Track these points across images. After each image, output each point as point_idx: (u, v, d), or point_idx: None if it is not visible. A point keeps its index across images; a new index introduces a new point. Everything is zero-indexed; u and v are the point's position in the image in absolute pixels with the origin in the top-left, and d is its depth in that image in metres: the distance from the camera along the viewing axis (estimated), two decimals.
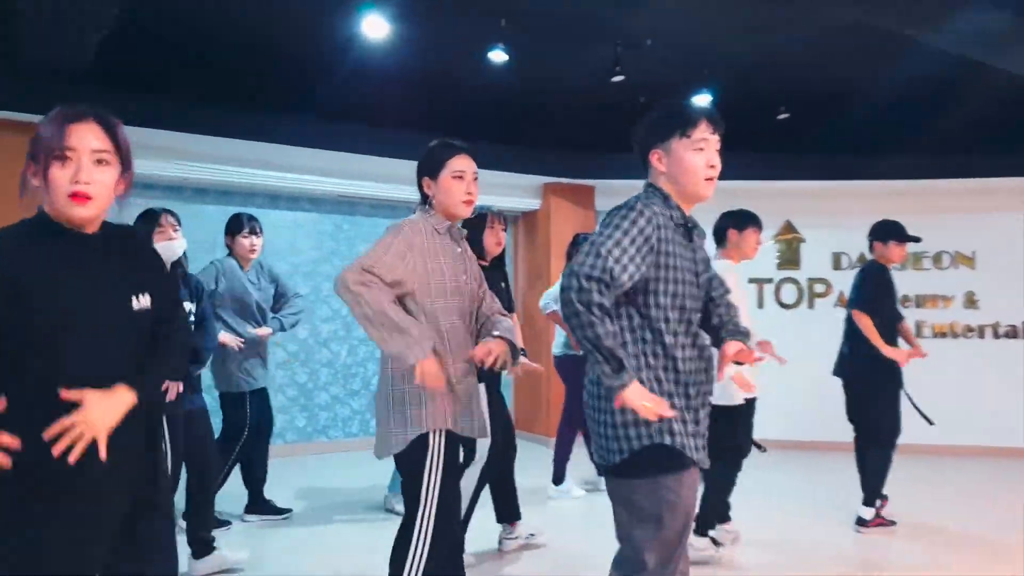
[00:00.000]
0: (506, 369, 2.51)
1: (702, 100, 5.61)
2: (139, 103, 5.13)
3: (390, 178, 5.93)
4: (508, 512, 3.89)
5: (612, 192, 6.78)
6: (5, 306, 1.55)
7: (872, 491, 4.19)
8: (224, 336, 4.02)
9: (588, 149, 6.70)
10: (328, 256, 6.63)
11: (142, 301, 1.69)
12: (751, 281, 6.89)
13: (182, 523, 3.99)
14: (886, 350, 4.04)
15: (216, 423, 3.92)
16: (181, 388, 3.32)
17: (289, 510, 4.49)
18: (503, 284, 3.80)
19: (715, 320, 2.15)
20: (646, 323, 1.98)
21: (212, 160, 5.60)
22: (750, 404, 3.72)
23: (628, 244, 1.91)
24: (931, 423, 4.16)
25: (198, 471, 3.49)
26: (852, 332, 4.19)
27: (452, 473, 2.34)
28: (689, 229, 2.07)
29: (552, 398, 6.62)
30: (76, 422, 1.52)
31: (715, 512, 3.74)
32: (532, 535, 3.93)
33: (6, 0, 3.84)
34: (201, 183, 5.81)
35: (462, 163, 2.44)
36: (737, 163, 6.06)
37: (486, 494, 3.75)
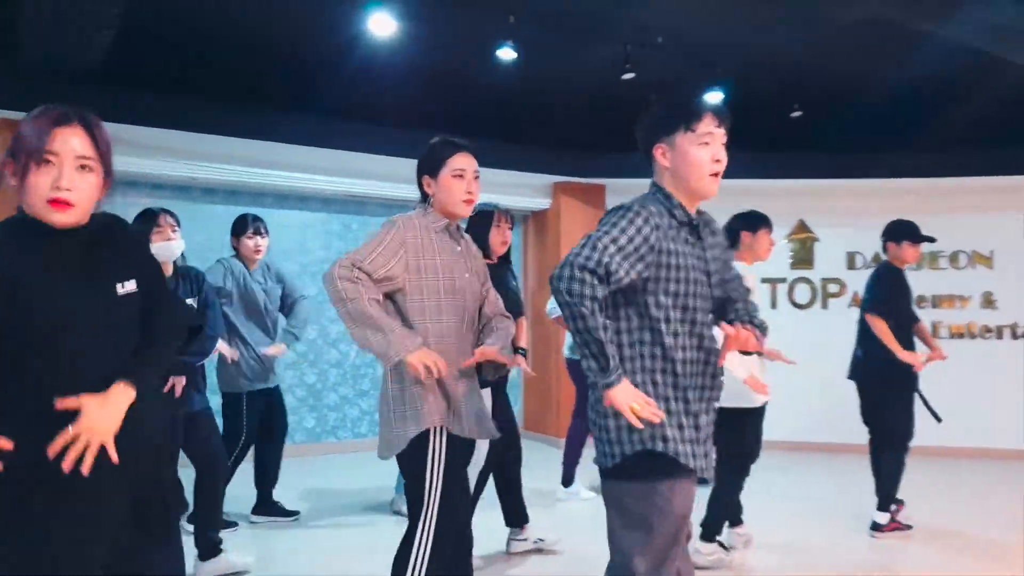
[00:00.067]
0: (492, 376, 2.51)
1: (714, 98, 5.54)
2: (147, 103, 5.14)
3: (399, 177, 5.85)
4: (515, 515, 3.84)
5: (623, 191, 6.72)
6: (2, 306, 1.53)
7: (886, 496, 4.11)
8: (222, 346, 3.96)
9: (598, 148, 6.64)
10: (337, 256, 6.55)
11: (127, 286, 1.66)
12: (764, 281, 6.81)
13: (188, 526, 3.99)
14: (902, 354, 3.97)
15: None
16: (184, 382, 3.29)
17: (297, 512, 4.46)
18: (512, 284, 3.75)
19: (731, 316, 2.09)
20: (645, 323, 1.93)
21: (220, 160, 5.59)
22: (760, 408, 3.66)
23: (626, 242, 1.86)
24: (939, 420, 4.08)
25: (204, 472, 3.46)
26: (865, 334, 4.12)
27: (454, 473, 2.31)
28: (695, 227, 2.01)
29: (562, 399, 6.58)
30: (80, 432, 1.51)
31: (722, 517, 3.67)
32: (541, 540, 3.87)
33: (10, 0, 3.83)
34: (210, 183, 5.81)
35: (463, 161, 2.40)
36: (750, 162, 6.13)
37: (493, 497, 3.72)
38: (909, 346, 4.07)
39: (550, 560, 3.79)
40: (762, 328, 2.08)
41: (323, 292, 7.20)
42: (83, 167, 1.57)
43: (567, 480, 4.92)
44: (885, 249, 4.24)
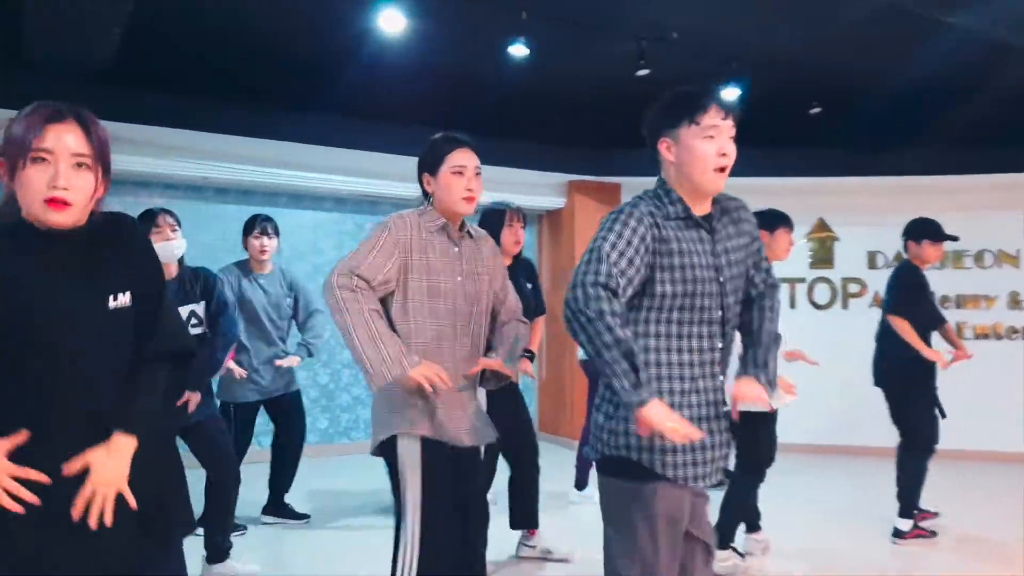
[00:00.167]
0: (492, 385, 2.46)
1: (730, 94, 5.46)
2: (158, 102, 5.14)
3: (412, 177, 5.73)
4: (524, 518, 3.75)
5: (639, 189, 6.54)
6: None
7: (907, 501, 4.01)
8: (231, 364, 3.93)
9: (613, 145, 6.56)
10: None
11: (121, 299, 1.59)
12: (782, 281, 6.67)
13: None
14: (926, 352, 3.88)
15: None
16: (199, 398, 3.28)
17: (307, 516, 4.43)
18: (528, 284, 3.69)
19: (745, 356, 2.01)
20: (643, 323, 1.87)
21: (233, 160, 5.59)
22: (774, 412, 3.56)
23: (625, 246, 1.80)
24: (943, 416, 3.99)
25: (213, 476, 3.43)
26: (883, 336, 4.05)
27: (435, 482, 2.24)
28: (698, 222, 1.92)
29: (576, 401, 6.50)
30: (96, 488, 1.50)
31: (735, 522, 3.60)
32: (549, 551, 3.78)
33: None
34: (222, 183, 5.81)
35: (462, 157, 2.34)
36: (768, 160, 6.03)
37: (503, 502, 3.66)
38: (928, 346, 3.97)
39: (559, 566, 3.72)
40: (770, 378, 1.98)
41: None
42: (79, 165, 1.50)
43: (580, 484, 4.84)
44: (906, 248, 4.15)
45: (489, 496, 4.79)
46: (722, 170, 1.89)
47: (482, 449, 2.45)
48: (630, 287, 1.81)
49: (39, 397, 1.51)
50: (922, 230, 4.08)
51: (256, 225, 4.19)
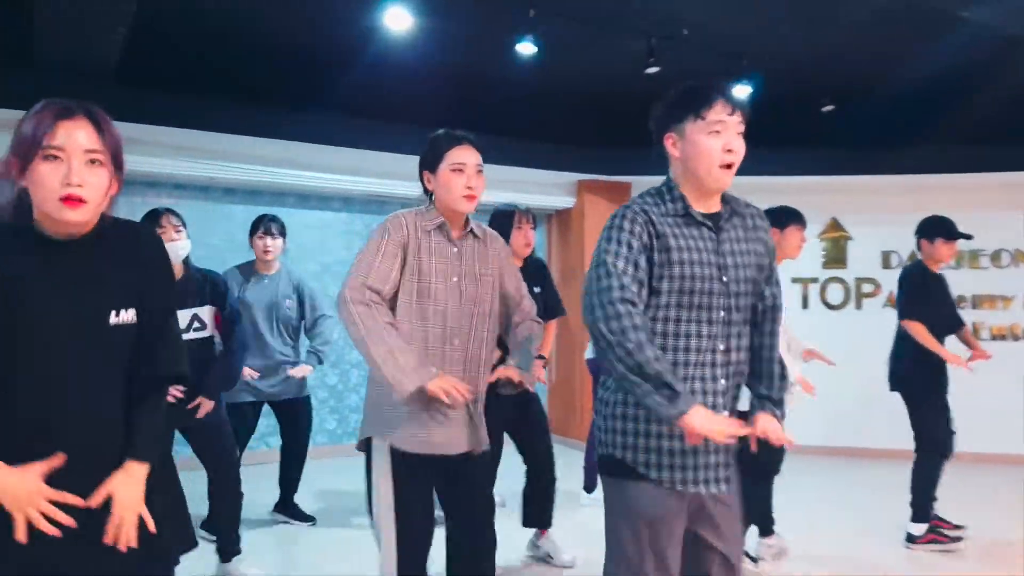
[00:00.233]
0: (509, 391, 2.44)
1: (741, 92, 5.39)
2: (166, 102, 5.13)
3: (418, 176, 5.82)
4: (537, 519, 3.70)
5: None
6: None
7: (919, 505, 3.95)
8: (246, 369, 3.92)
9: (623, 144, 6.47)
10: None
11: (123, 316, 1.55)
12: (795, 281, 6.64)
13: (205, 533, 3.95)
14: (945, 354, 3.84)
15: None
16: (212, 407, 3.30)
17: (312, 519, 4.41)
18: (537, 288, 3.64)
19: (757, 391, 1.98)
20: None
21: (240, 160, 5.57)
22: None
23: (627, 251, 1.78)
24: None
25: (213, 478, 3.42)
26: (897, 340, 4.02)
27: (404, 488, 2.23)
28: (699, 220, 1.87)
29: (586, 403, 6.46)
30: (122, 515, 1.52)
31: (744, 527, 3.53)
32: (550, 557, 3.74)
33: None
34: (229, 183, 5.79)
35: (462, 154, 2.30)
36: (780, 158, 5.95)
37: (513, 505, 3.62)
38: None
39: (567, 571, 3.68)
40: (779, 408, 1.96)
41: None
42: (92, 161, 1.48)
43: (589, 486, 4.79)
44: (919, 247, 4.08)
45: (497, 498, 4.80)
46: (728, 167, 1.84)
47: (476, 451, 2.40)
48: (643, 289, 1.79)
49: (36, 406, 1.48)
50: (935, 228, 4.01)
51: (260, 225, 4.16)
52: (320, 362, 4.34)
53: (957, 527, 4.10)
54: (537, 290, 3.63)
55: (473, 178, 2.30)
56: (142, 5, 3.93)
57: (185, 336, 2.95)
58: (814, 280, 6.77)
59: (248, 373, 3.98)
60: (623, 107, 5.97)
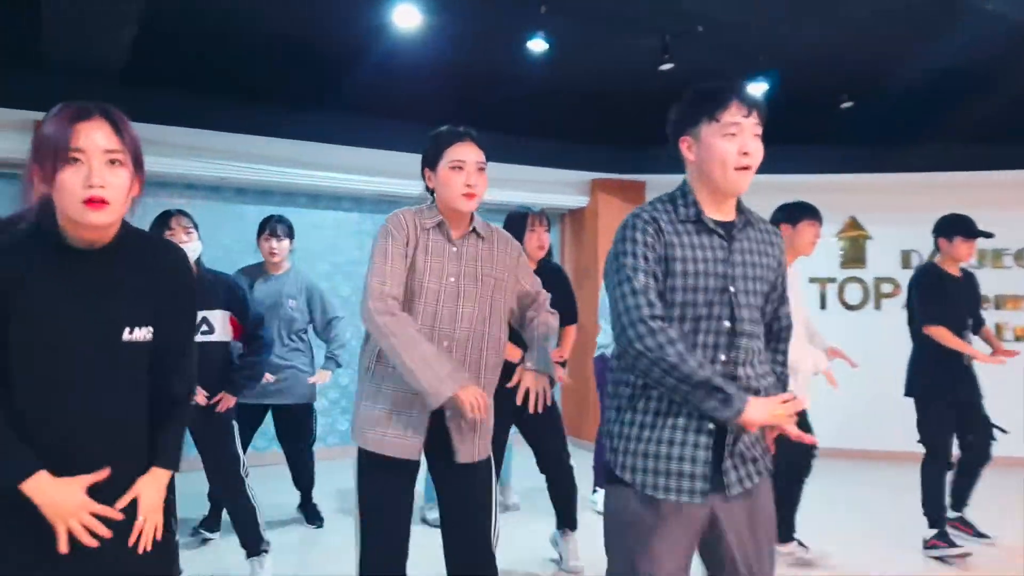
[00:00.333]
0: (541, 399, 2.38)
1: (757, 89, 5.30)
2: (175, 102, 5.11)
3: None
4: (562, 519, 3.67)
5: (664, 188, 6.43)
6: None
7: (928, 512, 3.89)
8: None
9: (637, 143, 6.43)
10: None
11: (137, 333, 1.55)
12: (812, 281, 6.54)
13: (209, 534, 3.97)
14: (974, 353, 3.80)
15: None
16: (232, 403, 3.34)
17: (317, 524, 4.38)
18: (552, 293, 3.59)
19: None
20: None
21: (251, 159, 5.56)
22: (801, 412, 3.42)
23: (644, 263, 1.75)
24: (1003, 431, 3.92)
25: (209, 479, 3.42)
26: (913, 344, 3.98)
27: (378, 493, 2.23)
28: (711, 227, 1.82)
29: (597, 402, 6.39)
30: (147, 517, 1.55)
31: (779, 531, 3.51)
32: (560, 559, 3.70)
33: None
34: (241, 183, 5.79)
35: (462, 152, 2.24)
36: (798, 156, 5.86)
37: (526, 508, 3.58)
38: (940, 347, 3.85)
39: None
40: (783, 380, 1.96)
41: (356, 293, 7.20)
42: (112, 162, 1.48)
43: (599, 486, 4.74)
44: (937, 246, 4.00)
45: (515, 499, 4.77)
46: (745, 169, 1.78)
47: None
48: (662, 297, 1.77)
49: (40, 407, 1.48)
50: (953, 226, 3.93)
51: (267, 227, 4.15)
52: (339, 365, 4.31)
53: (980, 535, 4.01)
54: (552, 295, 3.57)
55: (473, 176, 2.24)
56: (149, 4, 3.91)
57: None
58: (832, 280, 6.68)
59: (267, 378, 3.96)
60: (637, 105, 5.90)
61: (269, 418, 4.29)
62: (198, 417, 3.19)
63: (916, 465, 3.99)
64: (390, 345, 2.10)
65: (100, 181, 1.45)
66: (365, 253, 6.65)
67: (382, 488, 2.24)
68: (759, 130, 1.80)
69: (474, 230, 2.31)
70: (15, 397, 1.46)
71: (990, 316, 6.00)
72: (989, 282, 6.07)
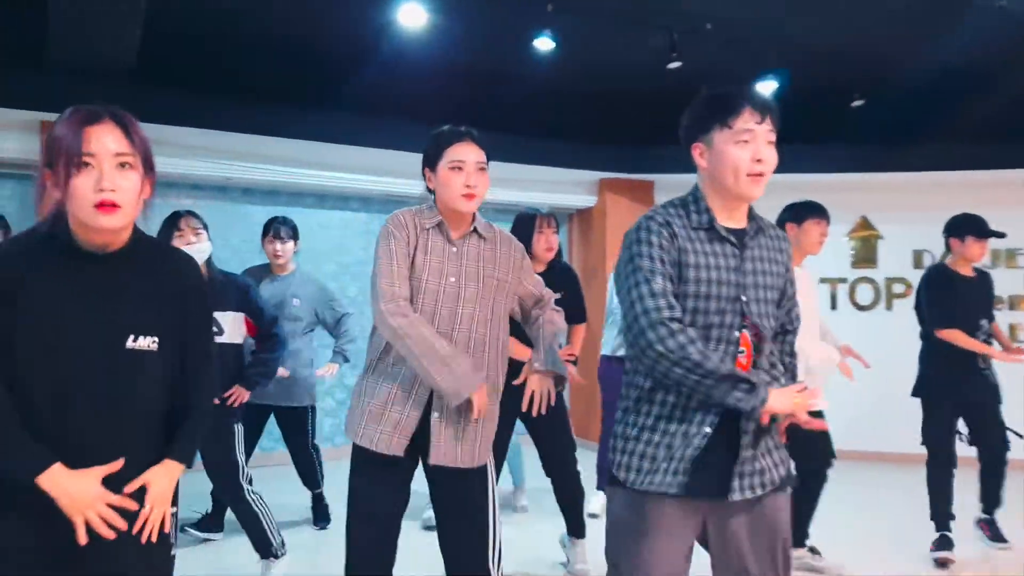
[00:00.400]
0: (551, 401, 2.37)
1: (767, 87, 5.25)
2: (182, 102, 5.11)
3: None
4: (571, 527, 3.62)
5: (673, 187, 6.44)
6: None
7: (933, 514, 3.86)
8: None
9: (646, 142, 6.39)
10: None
11: (142, 342, 1.55)
12: (822, 281, 6.47)
13: (199, 534, 3.98)
14: (992, 352, 3.78)
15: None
16: (247, 397, 3.35)
17: (321, 526, 4.37)
18: (559, 293, 3.56)
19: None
20: None
21: (258, 159, 5.56)
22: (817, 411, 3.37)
23: (660, 266, 1.72)
24: (1021, 436, 3.89)
25: (216, 482, 3.41)
26: (922, 346, 3.95)
27: (362, 488, 2.25)
28: (723, 235, 1.80)
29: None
30: (154, 504, 1.54)
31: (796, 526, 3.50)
32: (567, 562, 3.67)
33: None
34: (247, 183, 5.79)
35: (461, 151, 2.22)
36: (808, 155, 5.79)
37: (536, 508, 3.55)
38: (955, 352, 3.80)
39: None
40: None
41: (363, 293, 7.18)
42: (122, 165, 1.49)
43: (602, 486, 4.70)
44: (948, 246, 3.95)
45: (523, 501, 4.74)
46: (758, 176, 1.75)
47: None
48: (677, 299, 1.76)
49: (44, 408, 1.48)
50: (964, 226, 3.87)
51: (270, 229, 4.14)
52: (346, 360, 4.30)
53: (998, 539, 3.95)
54: (559, 295, 3.54)
55: (473, 176, 2.21)
56: (154, 5, 3.91)
57: None
58: (843, 280, 6.62)
59: (281, 372, 3.96)
60: (645, 104, 5.87)
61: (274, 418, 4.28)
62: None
63: (921, 467, 3.96)
64: (406, 347, 2.10)
65: (111, 184, 1.46)
66: (372, 254, 6.67)
67: (370, 484, 2.24)
68: (773, 136, 1.77)
69: (475, 230, 2.29)
70: (21, 400, 1.47)
71: (1004, 317, 5.94)
72: (1003, 282, 5.98)
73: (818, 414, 3.36)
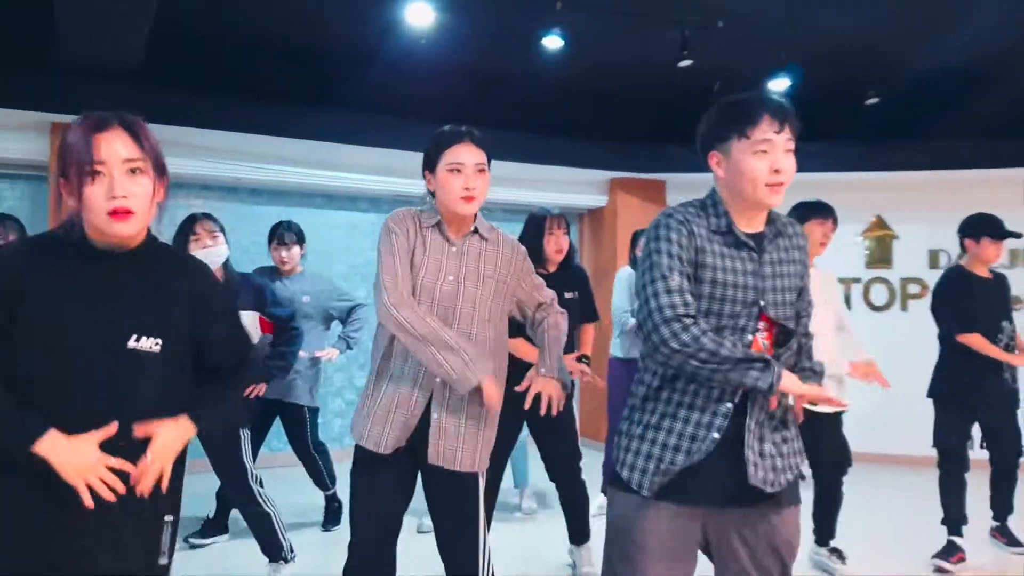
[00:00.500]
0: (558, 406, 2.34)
1: (779, 85, 5.19)
2: (190, 103, 5.11)
3: None
4: (572, 533, 3.60)
5: (685, 187, 6.41)
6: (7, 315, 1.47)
7: (946, 517, 3.80)
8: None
9: (658, 140, 6.34)
10: None
11: (144, 342, 1.54)
12: (837, 281, 6.38)
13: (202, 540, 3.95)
14: (1011, 359, 3.74)
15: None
16: (263, 391, 3.40)
17: (325, 527, 4.35)
18: (568, 294, 3.52)
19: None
20: None
21: (267, 160, 5.55)
22: (828, 414, 3.32)
23: (678, 263, 1.71)
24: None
25: (227, 488, 3.38)
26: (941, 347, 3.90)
27: (362, 489, 2.24)
28: (741, 240, 1.77)
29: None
30: (156, 455, 1.52)
31: (823, 524, 3.56)
32: (573, 565, 3.63)
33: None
34: (256, 183, 5.78)
35: (459, 153, 2.19)
36: (822, 154, 5.72)
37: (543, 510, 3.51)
38: (967, 353, 3.76)
39: None
40: (817, 374, 1.91)
41: (373, 295, 7.13)
42: (133, 171, 1.50)
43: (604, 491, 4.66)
44: (963, 247, 3.89)
45: (526, 504, 4.71)
46: (777, 186, 1.72)
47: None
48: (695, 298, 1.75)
49: (54, 414, 1.47)
50: (980, 227, 3.81)
51: (274, 236, 4.14)
52: (349, 347, 4.28)
53: (1015, 543, 3.89)
54: (569, 295, 3.51)
55: (472, 178, 2.18)
56: (163, 5, 3.90)
57: None
58: (857, 280, 6.54)
59: (302, 355, 3.97)
60: (656, 102, 5.83)
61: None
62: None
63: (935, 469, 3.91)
64: (411, 338, 2.08)
65: (122, 192, 1.47)
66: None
67: (372, 483, 2.24)
68: (792, 145, 1.74)
69: (476, 231, 2.27)
70: (21, 399, 1.46)
71: (1021, 319, 5.84)
72: (1019, 283, 5.92)
73: (829, 416, 3.34)
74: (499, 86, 5.52)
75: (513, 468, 4.65)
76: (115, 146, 1.48)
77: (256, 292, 3.39)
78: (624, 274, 4.58)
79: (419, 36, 4.71)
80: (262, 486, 3.35)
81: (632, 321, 4.38)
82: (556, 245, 3.53)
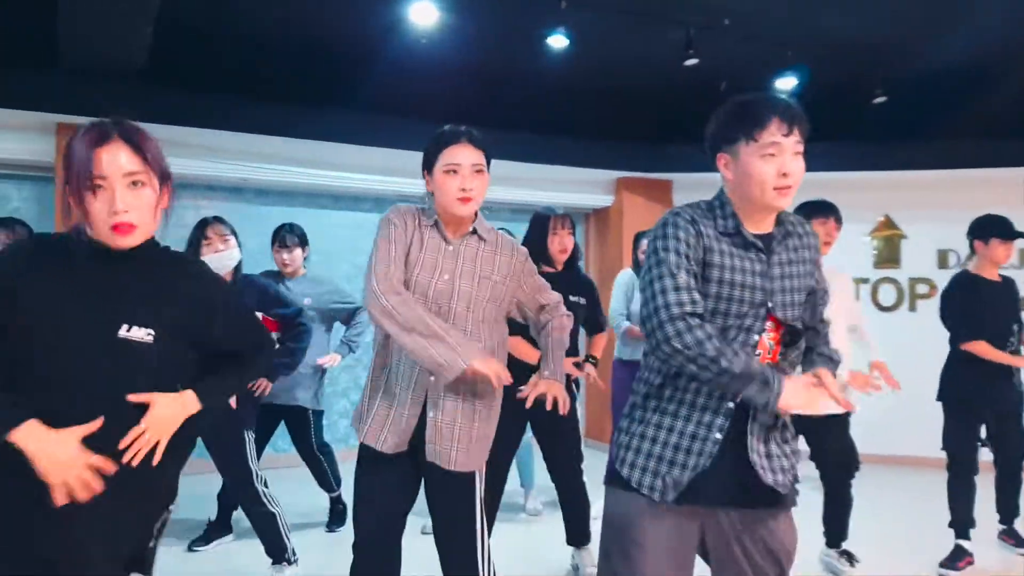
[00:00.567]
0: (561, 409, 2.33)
1: (786, 84, 5.16)
2: (197, 103, 5.11)
3: None
4: (571, 536, 3.58)
5: (691, 186, 6.38)
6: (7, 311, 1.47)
7: (953, 520, 3.78)
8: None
9: (664, 140, 6.32)
10: None
11: (135, 332, 1.53)
12: None
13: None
14: (1015, 361, 3.70)
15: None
16: (270, 388, 3.41)
17: (329, 528, 4.34)
18: (581, 298, 3.50)
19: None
20: None
21: (273, 160, 5.55)
22: (835, 416, 3.29)
23: (685, 262, 1.69)
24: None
25: (232, 490, 3.37)
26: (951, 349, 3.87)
27: (365, 487, 2.24)
28: (749, 242, 1.75)
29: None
30: (149, 425, 1.51)
31: (833, 526, 3.55)
32: (576, 568, 3.61)
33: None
34: (262, 184, 5.78)
35: (456, 154, 2.17)
36: (829, 153, 5.68)
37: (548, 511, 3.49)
38: (976, 360, 3.71)
39: None
40: (831, 362, 1.87)
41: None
42: (134, 183, 1.51)
43: None
44: (972, 248, 3.84)
45: (531, 504, 4.69)
46: (784, 189, 1.70)
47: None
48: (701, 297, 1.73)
49: (51, 409, 1.47)
50: (989, 228, 3.76)
51: (276, 238, 4.14)
52: (351, 351, 4.27)
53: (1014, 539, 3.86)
54: (575, 299, 3.49)
55: (469, 179, 2.16)
56: (167, 5, 3.90)
57: None
58: (865, 280, 6.50)
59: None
60: (662, 101, 5.81)
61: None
62: (212, 428, 3.16)
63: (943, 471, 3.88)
64: (397, 327, 2.04)
65: (124, 206, 1.48)
66: None
67: (374, 481, 2.23)
68: (800, 148, 1.72)
69: (474, 231, 2.26)
70: (19, 395, 1.46)
71: None
72: None
73: (835, 417, 3.31)
74: (504, 86, 5.51)
75: (520, 468, 4.63)
76: (116, 160, 1.48)
77: (259, 291, 3.38)
78: (624, 277, 4.55)
79: (423, 36, 4.69)
80: (267, 486, 3.35)
81: (627, 324, 4.35)
82: (560, 245, 3.52)
